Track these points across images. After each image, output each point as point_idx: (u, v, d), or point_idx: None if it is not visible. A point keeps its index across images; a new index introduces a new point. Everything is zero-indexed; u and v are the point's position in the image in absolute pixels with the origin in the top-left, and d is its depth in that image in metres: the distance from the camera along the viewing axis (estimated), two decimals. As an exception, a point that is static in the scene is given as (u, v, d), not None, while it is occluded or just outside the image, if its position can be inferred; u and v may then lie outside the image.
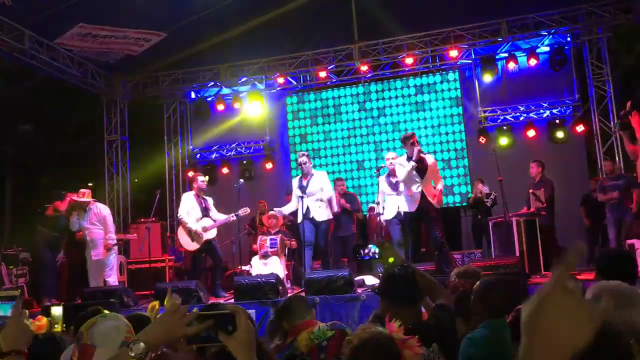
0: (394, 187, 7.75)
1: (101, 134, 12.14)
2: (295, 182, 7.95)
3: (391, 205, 7.81)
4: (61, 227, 8.72)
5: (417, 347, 2.17)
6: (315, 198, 7.65)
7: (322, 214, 7.70)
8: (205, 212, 7.99)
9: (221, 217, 8.05)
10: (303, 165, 7.75)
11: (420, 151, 6.99)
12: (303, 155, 7.89)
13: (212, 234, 7.96)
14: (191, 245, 7.94)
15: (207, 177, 8.50)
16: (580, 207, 9.45)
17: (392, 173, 7.67)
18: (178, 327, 1.53)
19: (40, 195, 13.94)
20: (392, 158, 7.77)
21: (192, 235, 7.86)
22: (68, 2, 8.58)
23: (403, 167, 7.08)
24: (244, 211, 8.00)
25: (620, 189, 8.21)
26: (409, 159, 7.02)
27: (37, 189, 16.66)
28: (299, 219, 7.75)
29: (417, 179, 7.00)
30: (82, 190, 8.25)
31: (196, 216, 7.91)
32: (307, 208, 7.61)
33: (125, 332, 1.95)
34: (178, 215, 8.19)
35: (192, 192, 8.13)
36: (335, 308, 6.32)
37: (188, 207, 7.97)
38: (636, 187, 8.08)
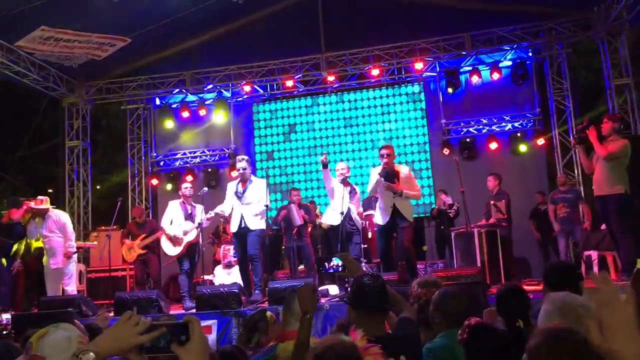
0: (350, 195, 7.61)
1: (62, 139, 11.89)
2: (231, 187, 7.45)
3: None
4: (18, 234, 8.49)
5: (379, 356, 2.18)
6: (252, 208, 7.17)
7: (256, 223, 7.18)
8: (189, 218, 7.73)
9: (187, 226, 7.83)
10: (243, 171, 7.26)
11: (385, 164, 6.89)
12: (243, 159, 7.34)
13: (191, 236, 7.69)
14: (174, 251, 7.69)
15: (189, 184, 8.10)
16: (530, 221, 9.65)
17: (344, 183, 7.53)
18: (130, 336, 1.49)
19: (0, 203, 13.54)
20: (342, 169, 7.54)
21: (173, 240, 7.69)
22: (29, 4, 8.41)
23: (371, 180, 7.10)
24: (208, 218, 7.80)
25: (569, 201, 8.48)
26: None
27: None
28: (233, 228, 7.30)
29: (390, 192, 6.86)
30: (39, 197, 8.04)
31: (178, 223, 7.69)
32: (242, 216, 7.18)
33: (78, 342, 1.89)
34: (160, 224, 8.00)
35: (179, 200, 7.90)
36: (298, 318, 6.26)
37: (171, 215, 7.75)
38: (583, 201, 8.34)
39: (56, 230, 7.81)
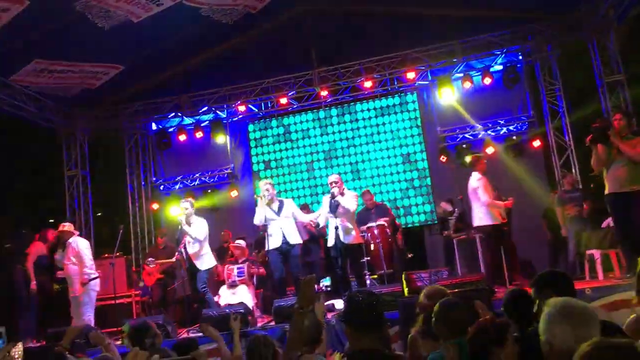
0: (333, 209, 7.53)
1: (61, 169, 11.92)
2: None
3: (331, 229, 7.61)
4: (44, 266, 8.68)
5: None
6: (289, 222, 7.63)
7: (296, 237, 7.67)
8: (177, 241, 7.97)
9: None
10: (267, 193, 7.57)
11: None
12: (267, 183, 7.75)
13: (200, 263, 7.78)
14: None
15: (187, 202, 8.02)
16: (542, 220, 9.65)
17: (332, 195, 7.50)
18: None
19: (2, 235, 13.52)
20: (334, 182, 7.55)
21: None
22: (22, 39, 8.50)
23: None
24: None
25: (578, 200, 8.38)
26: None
27: (-5, 228, 16.17)
28: (273, 244, 7.51)
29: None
30: (61, 224, 8.09)
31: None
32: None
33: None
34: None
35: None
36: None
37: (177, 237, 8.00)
38: (589, 199, 8.28)
39: (73, 258, 7.78)
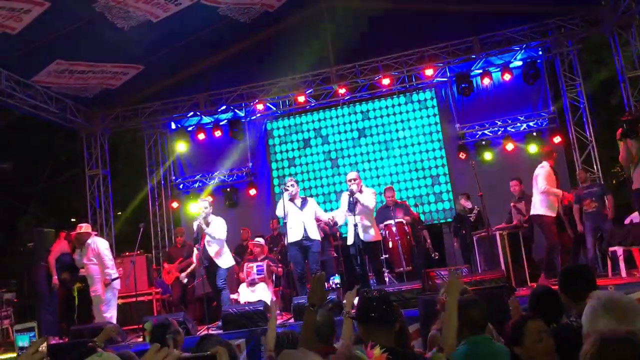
0: (352, 207, 7.45)
1: (82, 169, 12.08)
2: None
3: (350, 227, 7.56)
4: (65, 264, 8.88)
5: None
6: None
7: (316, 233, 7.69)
8: (195, 240, 7.80)
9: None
10: (292, 189, 7.59)
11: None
12: (292, 180, 7.77)
13: (222, 261, 7.76)
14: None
15: (205, 201, 7.90)
16: (564, 217, 9.52)
17: (351, 193, 7.42)
18: None
19: (23, 234, 13.74)
20: (353, 179, 7.46)
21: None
22: (43, 40, 8.62)
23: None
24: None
25: (596, 196, 8.16)
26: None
27: (17, 228, 16.44)
28: (294, 237, 7.50)
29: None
30: (79, 225, 8.19)
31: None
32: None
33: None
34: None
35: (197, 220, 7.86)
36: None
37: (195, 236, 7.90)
38: (609, 194, 8.09)
39: (93, 258, 7.85)
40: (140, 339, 7.08)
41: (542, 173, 7.37)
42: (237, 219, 11.06)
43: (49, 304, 8.91)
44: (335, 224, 8.11)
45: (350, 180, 7.46)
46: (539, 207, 7.36)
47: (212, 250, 7.63)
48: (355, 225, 7.28)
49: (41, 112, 10.44)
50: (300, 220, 7.51)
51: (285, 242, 7.69)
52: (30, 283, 9.67)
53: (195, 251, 8.05)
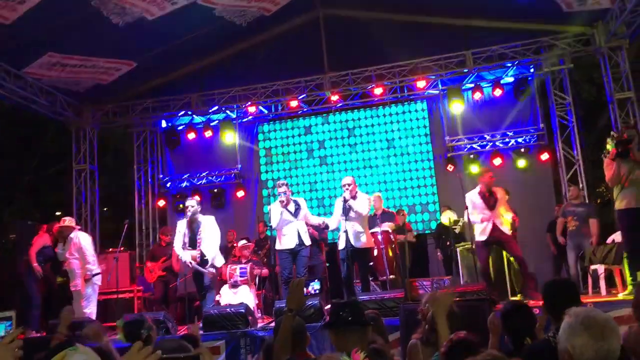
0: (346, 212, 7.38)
1: (69, 163, 12.00)
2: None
3: (342, 232, 7.52)
4: (48, 257, 8.77)
5: None
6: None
7: (308, 239, 7.62)
8: (191, 242, 7.55)
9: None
10: (283, 197, 7.40)
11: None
12: (284, 184, 7.56)
13: (217, 261, 7.64)
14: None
15: (192, 201, 7.75)
16: (547, 234, 9.61)
17: (344, 199, 7.37)
18: None
19: (8, 226, 13.60)
20: (348, 184, 7.41)
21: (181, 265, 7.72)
22: (37, 32, 8.57)
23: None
24: None
25: (579, 216, 8.27)
26: None
27: (2, 220, 16.28)
28: (287, 245, 7.42)
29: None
30: (63, 218, 8.13)
31: (182, 244, 7.60)
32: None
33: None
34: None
35: (185, 219, 7.71)
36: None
37: (178, 236, 7.64)
38: (594, 217, 8.18)
39: (75, 253, 7.80)
40: (118, 336, 7.02)
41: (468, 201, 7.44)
42: (224, 220, 11.02)
43: (34, 298, 8.76)
44: (327, 227, 8.05)
45: (345, 185, 7.43)
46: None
47: (206, 248, 7.47)
48: (346, 232, 7.24)
49: (31, 104, 10.36)
50: (294, 228, 7.44)
51: (275, 247, 7.61)
52: (11, 275, 9.56)
53: (179, 252, 7.81)
